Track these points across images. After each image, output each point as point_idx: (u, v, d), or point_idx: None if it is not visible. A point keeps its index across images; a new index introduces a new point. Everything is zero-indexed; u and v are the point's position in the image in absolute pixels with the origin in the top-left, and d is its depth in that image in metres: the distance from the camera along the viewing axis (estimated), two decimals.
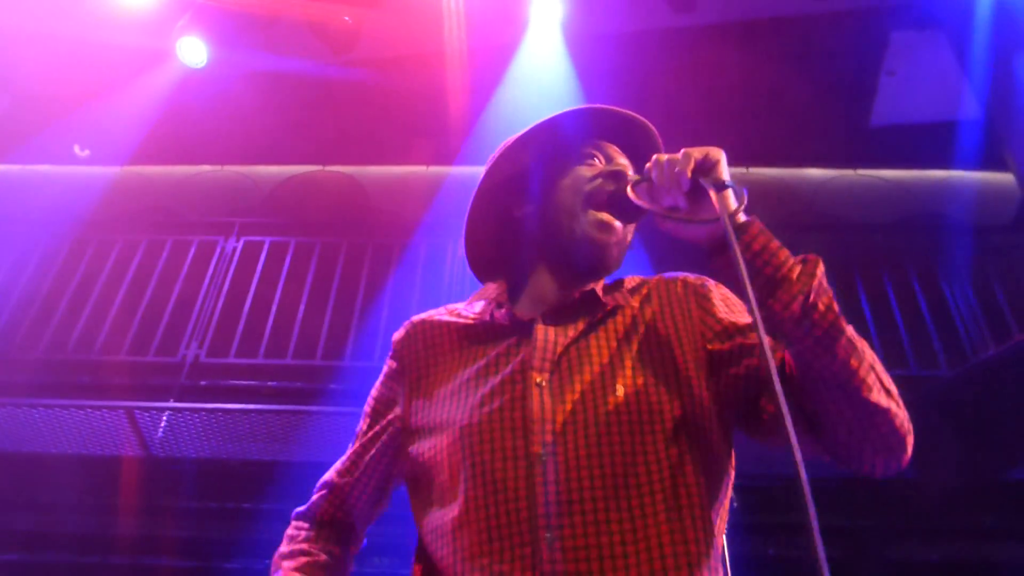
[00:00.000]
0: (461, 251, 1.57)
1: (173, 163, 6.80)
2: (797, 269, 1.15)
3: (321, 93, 6.14)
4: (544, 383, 1.27)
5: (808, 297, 1.12)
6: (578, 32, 5.43)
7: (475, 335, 1.41)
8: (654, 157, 1.23)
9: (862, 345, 1.16)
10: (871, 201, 6.46)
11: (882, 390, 1.16)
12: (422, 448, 1.33)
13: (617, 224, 1.37)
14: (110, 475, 4.51)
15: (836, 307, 1.14)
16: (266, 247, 5.33)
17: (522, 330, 1.36)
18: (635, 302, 1.38)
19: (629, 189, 1.29)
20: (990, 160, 5.49)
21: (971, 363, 4.13)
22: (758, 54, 5.71)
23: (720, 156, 1.18)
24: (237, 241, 5.37)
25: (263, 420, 4.30)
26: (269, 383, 4.69)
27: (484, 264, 1.56)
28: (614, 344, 1.32)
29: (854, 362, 1.13)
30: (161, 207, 6.49)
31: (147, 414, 4.29)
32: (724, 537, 1.28)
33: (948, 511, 4.16)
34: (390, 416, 1.44)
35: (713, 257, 1.21)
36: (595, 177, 1.40)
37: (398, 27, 5.49)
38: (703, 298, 1.36)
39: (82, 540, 4.46)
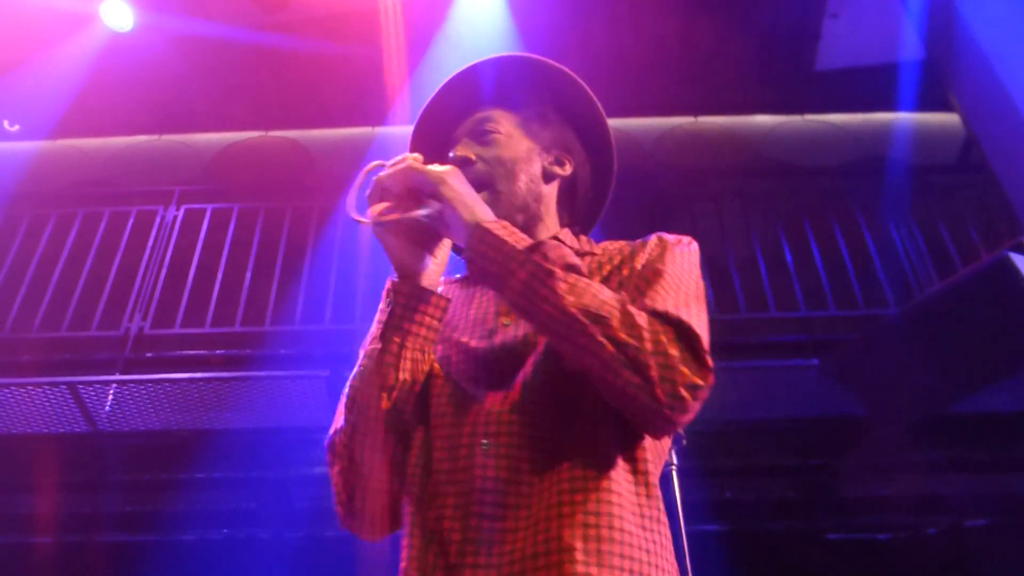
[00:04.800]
0: None
1: (106, 134, 6.57)
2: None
3: (257, 57, 5.95)
4: (510, 323, 1.34)
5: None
6: None
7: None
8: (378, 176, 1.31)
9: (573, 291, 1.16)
10: (819, 145, 6.48)
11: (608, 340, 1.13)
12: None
13: None
14: (58, 453, 4.41)
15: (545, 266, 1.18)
16: (208, 214, 5.19)
17: None
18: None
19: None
20: (932, 100, 5.52)
21: (918, 299, 4.18)
22: (702, 1, 5.66)
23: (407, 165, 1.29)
24: (177, 210, 5.23)
25: (212, 388, 4.22)
26: (217, 352, 4.60)
27: None
28: None
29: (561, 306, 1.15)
30: (96, 179, 6.29)
31: (92, 389, 4.18)
32: (659, 489, 1.24)
33: (898, 447, 4.24)
34: None
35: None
36: None
37: None
38: (637, 253, 1.36)
39: (33, 520, 4.37)
